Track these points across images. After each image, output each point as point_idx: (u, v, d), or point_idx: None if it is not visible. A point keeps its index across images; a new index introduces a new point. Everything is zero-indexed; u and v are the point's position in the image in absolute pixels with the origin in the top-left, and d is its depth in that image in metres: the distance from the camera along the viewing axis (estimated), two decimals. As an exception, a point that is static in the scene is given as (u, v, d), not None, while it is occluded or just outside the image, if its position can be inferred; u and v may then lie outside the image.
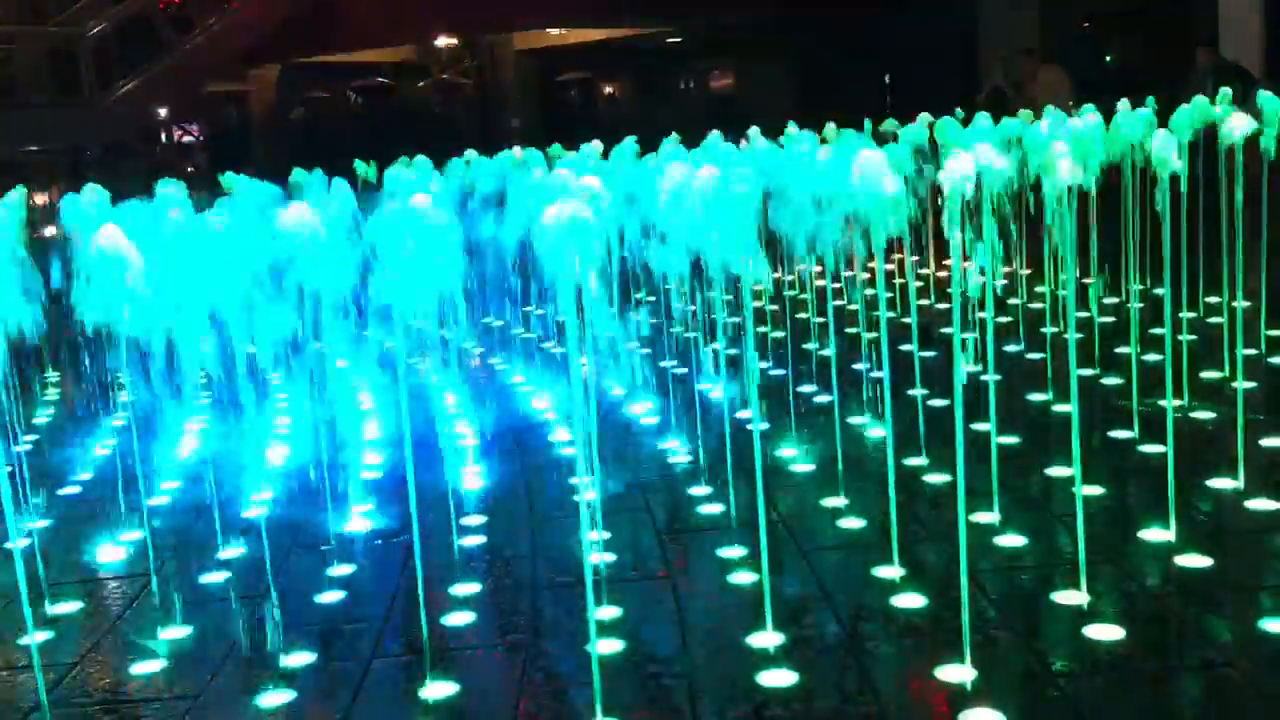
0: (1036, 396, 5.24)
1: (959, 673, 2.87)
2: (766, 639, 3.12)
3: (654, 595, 3.56)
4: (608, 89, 25.98)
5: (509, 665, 3.16)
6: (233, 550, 4.14)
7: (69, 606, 3.77)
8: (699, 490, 4.41)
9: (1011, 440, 4.56)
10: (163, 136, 20.92)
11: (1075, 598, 3.25)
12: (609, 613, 3.35)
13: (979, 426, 3.97)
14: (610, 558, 3.80)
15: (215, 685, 3.17)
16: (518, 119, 23.59)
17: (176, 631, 3.52)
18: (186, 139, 21.67)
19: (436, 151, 7.70)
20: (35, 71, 15.25)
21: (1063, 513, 3.79)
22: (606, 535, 3.93)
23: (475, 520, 4.26)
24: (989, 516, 3.83)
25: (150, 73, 15.36)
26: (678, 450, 4.93)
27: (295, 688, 3.09)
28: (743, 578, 3.57)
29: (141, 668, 3.30)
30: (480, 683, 3.10)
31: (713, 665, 3.07)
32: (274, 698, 3.05)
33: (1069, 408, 3.41)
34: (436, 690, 2.99)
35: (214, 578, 3.95)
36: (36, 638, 3.09)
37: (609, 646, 3.12)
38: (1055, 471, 4.26)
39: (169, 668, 3.29)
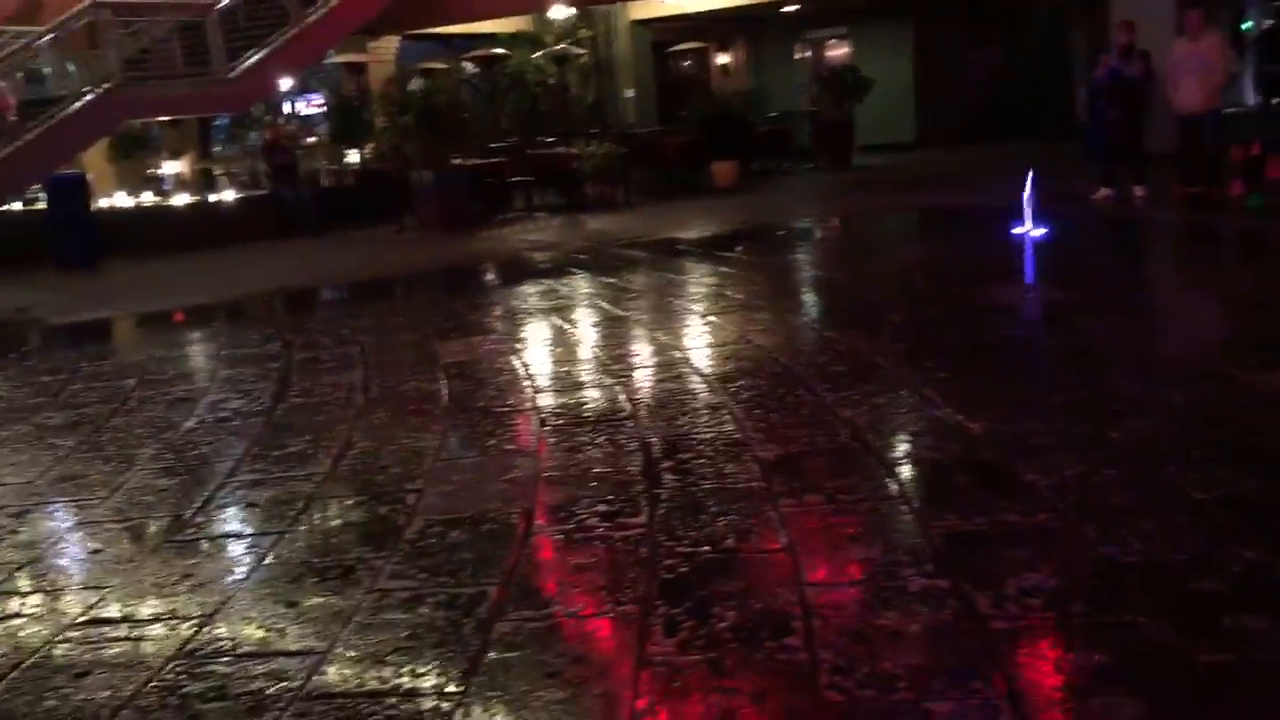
0: None
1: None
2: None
3: None
4: (721, 59, 25.76)
5: None
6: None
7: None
8: None
9: None
10: (286, 108, 21.43)
11: None
12: None
13: None
14: None
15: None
16: (631, 89, 23.56)
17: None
18: (310, 110, 22.15)
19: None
20: (165, 45, 15.70)
21: None
22: None
23: None
24: None
25: (275, 45, 15.68)
26: None
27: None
28: None
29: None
30: None
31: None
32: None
33: None
34: None
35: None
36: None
37: None
38: None
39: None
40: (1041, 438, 4.49)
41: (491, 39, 21.79)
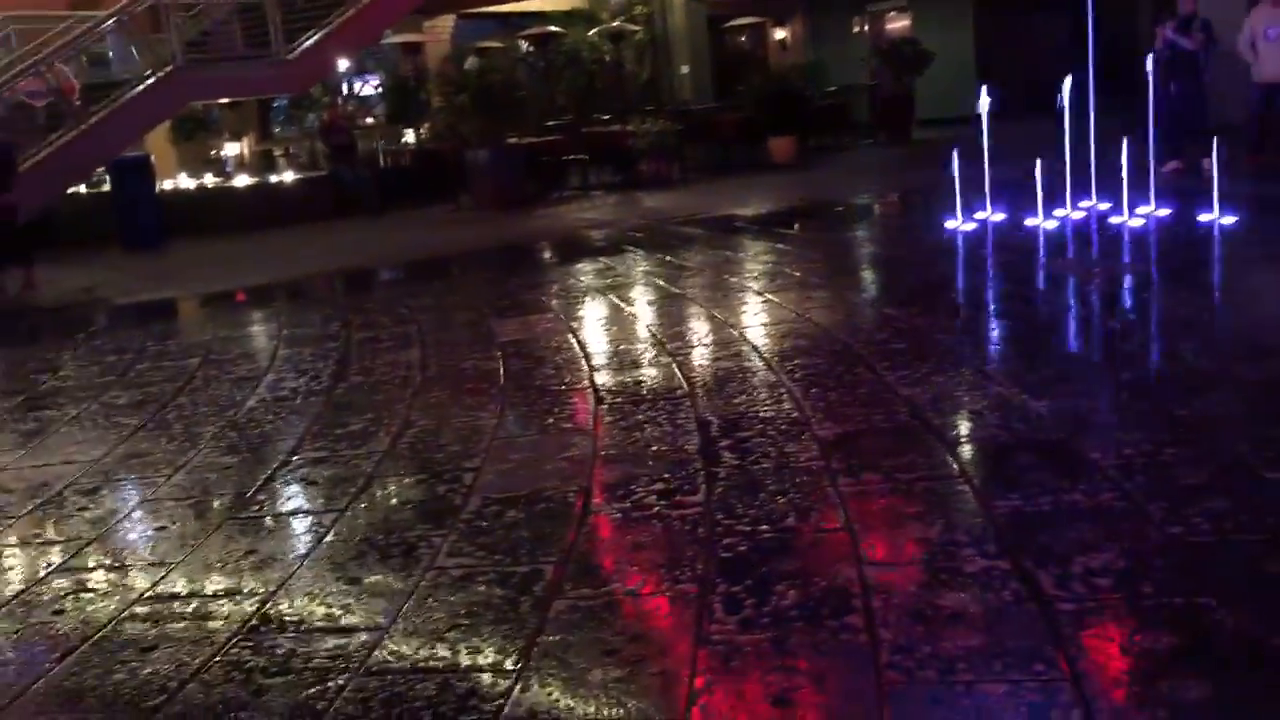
0: None
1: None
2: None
3: None
4: (778, 33, 25.52)
5: None
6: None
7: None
8: None
9: None
10: (344, 88, 21.58)
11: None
12: None
13: None
14: None
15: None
16: (686, 65, 23.44)
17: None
18: (367, 90, 22.31)
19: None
20: (225, 27, 15.87)
21: None
22: None
23: None
24: None
25: (333, 26, 15.79)
26: None
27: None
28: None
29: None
30: None
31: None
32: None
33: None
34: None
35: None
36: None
37: None
38: None
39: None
40: (1104, 415, 4.41)
41: (547, 17, 21.78)
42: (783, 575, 3.26)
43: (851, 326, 6.47)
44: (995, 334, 6.21)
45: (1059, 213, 9.02)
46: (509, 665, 2.93)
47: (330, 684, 2.92)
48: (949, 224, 9.36)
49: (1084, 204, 9.21)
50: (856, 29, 25.01)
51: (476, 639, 3.09)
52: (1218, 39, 11.88)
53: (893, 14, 24.17)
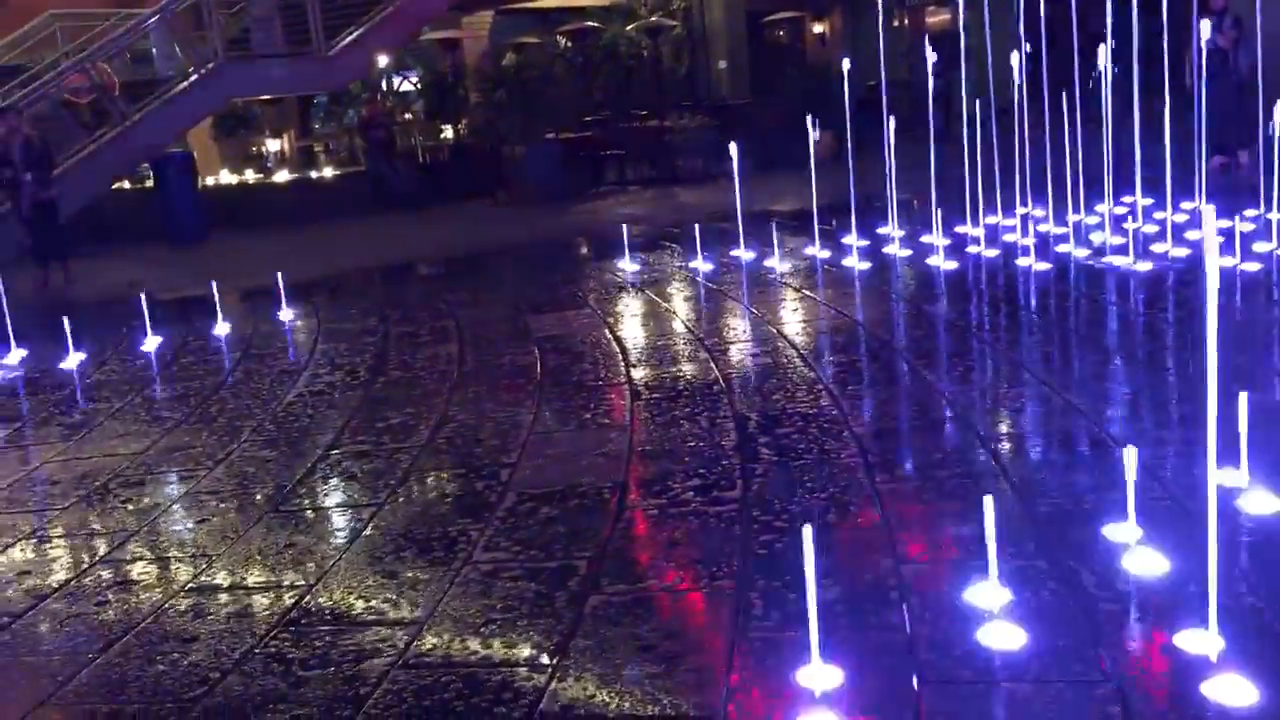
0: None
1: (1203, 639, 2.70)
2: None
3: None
4: (816, 28, 25.40)
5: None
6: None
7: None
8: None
9: None
10: (384, 85, 21.71)
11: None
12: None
13: None
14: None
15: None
16: (724, 60, 23.38)
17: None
18: (405, 86, 22.42)
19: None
20: (266, 25, 16.00)
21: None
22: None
23: None
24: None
25: (372, 23, 15.88)
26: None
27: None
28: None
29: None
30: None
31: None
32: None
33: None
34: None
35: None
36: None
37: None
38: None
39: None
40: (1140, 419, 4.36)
41: (585, 12, 21.79)
42: (818, 572, 3.25)
43: (888, 323, 6.44)
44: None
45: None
46: (545, 660, 2.94)
47: (369, 676, 2.94)
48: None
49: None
50: (896, 23, 24.83)
51: (514, 633, 3.10)
52: (1246, 32, 11.66)
53: (932, 8, 23.96)
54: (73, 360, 7.27)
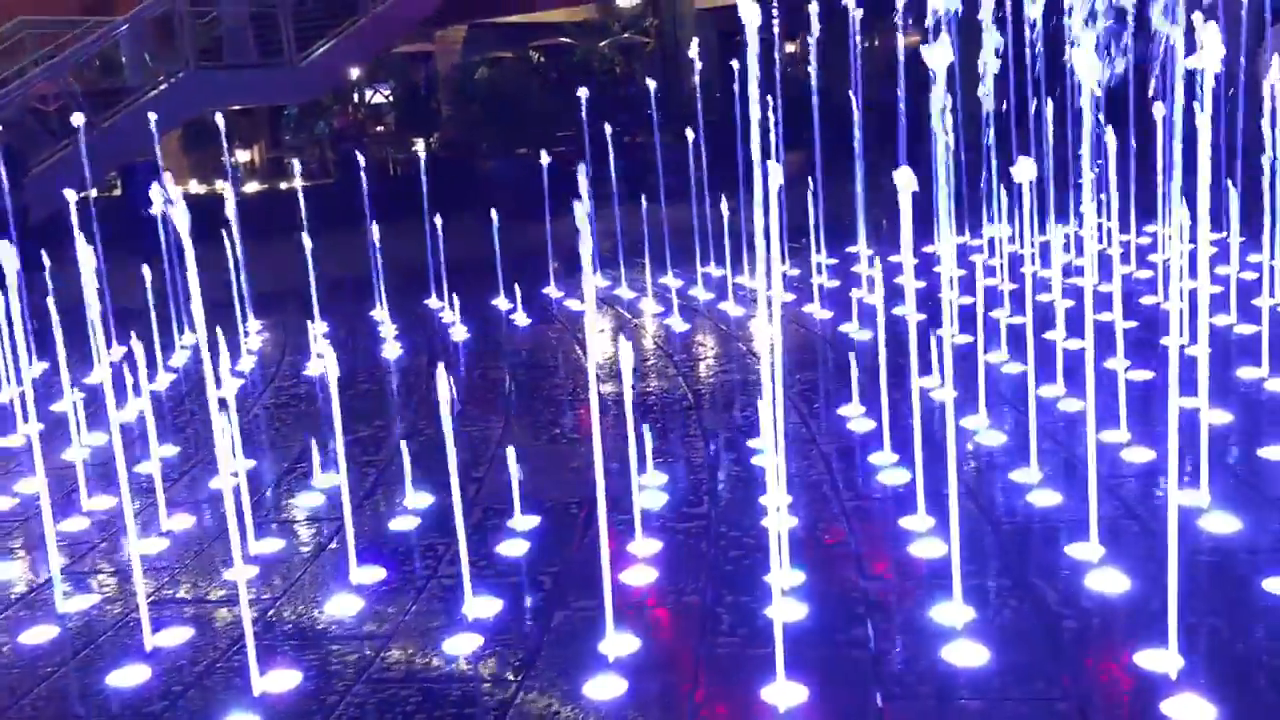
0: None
1: (1163, 659, 2.72)
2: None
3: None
4: (789, 48, 25.54)
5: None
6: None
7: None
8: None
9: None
10: (355, 97, 21.63)
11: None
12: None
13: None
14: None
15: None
16: (697, 78, 23.46)
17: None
18: (378, 99, 22.36)
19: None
20: (238, 34, 15.91)
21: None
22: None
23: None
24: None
25: (345, 34, 15.83)
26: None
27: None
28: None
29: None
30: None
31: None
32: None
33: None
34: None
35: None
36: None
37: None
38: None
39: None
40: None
41: (558, 28, 21.84)
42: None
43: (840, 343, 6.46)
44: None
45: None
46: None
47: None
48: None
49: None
50: (867, 45, 25.01)
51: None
52: None
53: (909, 29, 24.16)
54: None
